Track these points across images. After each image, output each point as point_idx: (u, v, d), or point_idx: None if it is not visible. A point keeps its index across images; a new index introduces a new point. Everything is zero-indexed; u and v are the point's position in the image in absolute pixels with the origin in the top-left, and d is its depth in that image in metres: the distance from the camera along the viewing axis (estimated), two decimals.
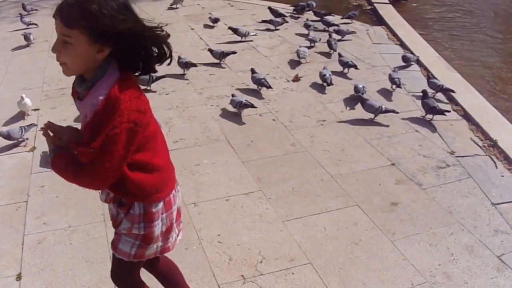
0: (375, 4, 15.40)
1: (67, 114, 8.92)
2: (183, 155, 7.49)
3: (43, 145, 7.88)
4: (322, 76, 9.59)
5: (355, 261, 5.50)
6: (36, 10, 16.13)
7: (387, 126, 8.26)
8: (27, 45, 12.22)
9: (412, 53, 11.14)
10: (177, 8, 15.51)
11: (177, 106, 9.02)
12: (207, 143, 7.80)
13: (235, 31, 12.36)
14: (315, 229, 5.96)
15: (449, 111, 8.67)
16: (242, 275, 5.33)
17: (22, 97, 9.04)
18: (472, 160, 7.33)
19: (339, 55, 10.40)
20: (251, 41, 12.24)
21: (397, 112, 8.49)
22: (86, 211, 6.41)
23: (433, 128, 8.14)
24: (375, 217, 6.16)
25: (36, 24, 14.87)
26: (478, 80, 10.64)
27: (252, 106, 8.57)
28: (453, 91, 9.17)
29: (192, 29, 13.13)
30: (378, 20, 14.45)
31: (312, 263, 5.47)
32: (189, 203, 6.45)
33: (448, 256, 5.57)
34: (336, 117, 8.45)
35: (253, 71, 9.73)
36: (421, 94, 8.74)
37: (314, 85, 9.76)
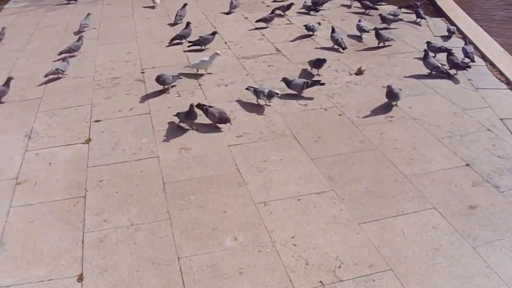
0: None
1: (122, 105, 8.76)
2: (248, 151, 7.27)
3: (98, 137, 7.71)
4: (466, 53, 9.93)
5: (437, 267, 5.21)
6: (75, 1, 16.06)
7: (457, 123, 7.91)
8: (80, 37, 11.90)
9: (476, 47, 10.80)
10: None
11: (238, 97, 8.75)
12: (273, 138, 7.57)
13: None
14: (393, 233, 5.68)
15: (470, 67, 9.52)
16: (321, 281, 5.08)
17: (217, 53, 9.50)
18: None
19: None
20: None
21: (323, 83, 8.91)
22: (149, 209, 6.21)
23: (504, 127, 7.74)
24: (454, 221, 5.84)
25: (75, 1, 15.03)
26: None
27: (320, 83, 8.78)
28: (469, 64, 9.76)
29: (246, 18, 12.84)
30: (435, 11, 14.05)
31: (393, 269, 5.20)
32: (258, 202, 6.21)
33: None
34: (404, 113, 8.14)
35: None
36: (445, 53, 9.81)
37: (379, 79, 9.44)
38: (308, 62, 9.66)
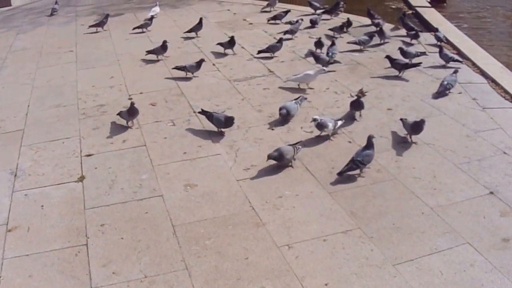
0: (417, 8, 14.68)
1: (113, 136, 8.22)
2: (259, 186, 6.79)
3: (92, 174, 7.15)
4: (448, 58, 10.36)
5: None
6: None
7: (472, 147, 7.57)
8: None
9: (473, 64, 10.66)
10: (270, 11, 15.01)
11: (238, 126, 8.27)
12: (284, 171, 7.10)
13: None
14: (431, 274, 5.25)
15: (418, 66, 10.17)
16: None
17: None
18: None
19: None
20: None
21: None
22: (162, 257, 5.64)
23: None
24: (490, 256, 5.45)
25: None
26: None
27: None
28: (460, 61, 10.47)
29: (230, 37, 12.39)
30: (422, 25, 13.79)
31: None
32: (282, 245, 5.73)
33: None
34: (416, 138, 7.72)
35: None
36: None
37: (382, 101, 9.07)
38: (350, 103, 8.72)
